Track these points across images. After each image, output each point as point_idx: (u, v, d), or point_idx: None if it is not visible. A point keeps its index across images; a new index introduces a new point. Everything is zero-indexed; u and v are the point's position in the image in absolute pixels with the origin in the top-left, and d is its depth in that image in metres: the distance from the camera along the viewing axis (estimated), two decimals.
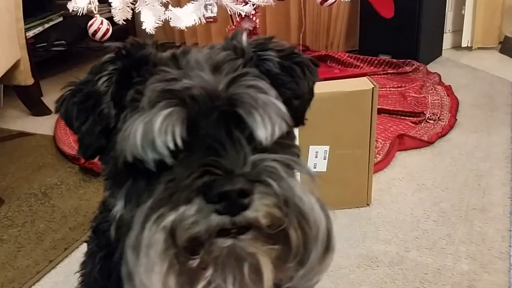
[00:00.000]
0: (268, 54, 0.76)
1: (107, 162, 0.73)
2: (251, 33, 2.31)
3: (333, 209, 0.69)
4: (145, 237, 0.60)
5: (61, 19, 3.39)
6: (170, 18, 2.08)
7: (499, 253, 1.53)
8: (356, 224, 1.72)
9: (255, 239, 0.62)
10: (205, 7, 1.96)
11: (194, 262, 0.62)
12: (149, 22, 2.21)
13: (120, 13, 2.31)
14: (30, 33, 3.11)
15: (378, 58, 3.10)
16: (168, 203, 0.60)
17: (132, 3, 2.30)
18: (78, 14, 2.27)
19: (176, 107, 0.64)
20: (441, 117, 2.42)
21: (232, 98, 0.66)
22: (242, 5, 2.03)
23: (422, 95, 2.63)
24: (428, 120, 2.40)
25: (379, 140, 2.18)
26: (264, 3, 2.12)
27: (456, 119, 2.40)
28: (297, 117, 0.77)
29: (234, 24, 2.31)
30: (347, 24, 3.36)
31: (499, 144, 2.15)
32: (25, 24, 2.70)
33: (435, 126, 2.35)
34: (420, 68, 2.98)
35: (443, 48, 3.35)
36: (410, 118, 2.43)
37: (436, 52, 3.29)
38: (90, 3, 2.26)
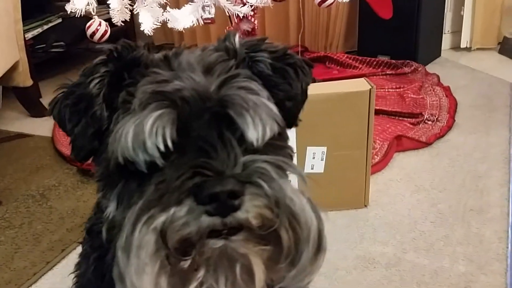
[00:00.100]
0: (260, 56, 0.76)
1: (100, 163, 0.73)
2: (250, 34, 2.31)
3: (325, 210, 0.68)
4: (136, 238, 0.60)
5: (60, 20, 3.39)
6: (168, 20, 2.08)
7: (496, 255, 1.52)
8: (354, 226, 1.72)
9: (247, 240, 0.63)
10: (203, 8, 1.96)
11: (186, 263, 0.62)
12: (148, 23, 2.21)
13: (119, 14, 2.31)
14: (29, 35, 3.12)
15: (377, 59, 3.10)
16: (159, 204, 0.60)
17: (130, 4, 2.31)
18: (76, 16, 2.27)
19: (166, 108, 0.64)
20: (439, 118, 2.41)
21: (223, 100, 0.66)
22: (240, 6, 2.02)
23: (420, 96, 2.63)
24: (426, 121, 2.40)
25: (377, 141, 2.18)
26: (262, 4, 2.12)
27: (455, 120, 2.39)
28: (290, 119, 0.77)
29: (233, 25, 2.31)
30: (346, 25, 3.36)
31: (497, 145, 2.15)
32: (24, 26, 2.71)
33: (434, 127, 2.34)
34: (419, 69, 2.98)
35: (442, 48, 3.35)
36: (409, 119, 2.43)
37: (435, 53, 3.29)
38: (88, 4, 2.26)
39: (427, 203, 1.81)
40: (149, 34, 2.22)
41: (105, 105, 0.71)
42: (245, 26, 2.34)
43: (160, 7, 2.20)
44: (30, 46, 3.05)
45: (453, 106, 2.53)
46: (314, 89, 1.61)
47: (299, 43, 3.31)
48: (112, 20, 2.32)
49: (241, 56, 0.74)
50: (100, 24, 2.31)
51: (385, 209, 1.79)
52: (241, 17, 2.23)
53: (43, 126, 2.68)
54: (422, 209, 1.78)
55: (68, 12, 2.27)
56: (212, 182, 0.59)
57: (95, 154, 0.74)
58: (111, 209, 0.70)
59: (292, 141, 1.69)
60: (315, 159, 1.69)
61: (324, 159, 1.69)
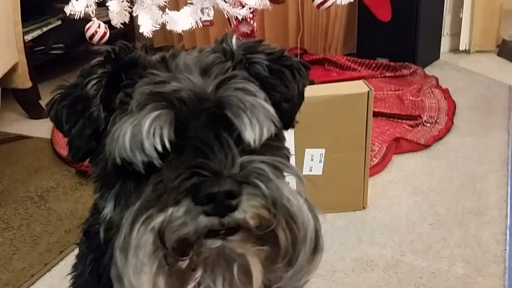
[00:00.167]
0: (257, 57, 0.76)
1: (97, 164, 0.73)
2: (249, 36, 2.32)
3: (323, 212, 0.69)
4: (134, 239, 0.60)
5: (59, 22, 3.41)
6: (167, 22, 2.09)
7: (494, 257, 1.52)
8: (352, 228, 1.72)
9: (244, 240, 0.63)
10: (202, 10, 1.96)
11: (184, 263, 0.62)
12: (147, 26, 2.21)
13: (118, 16, 2.31)
14: (29, 37, 3.12)
15: (376, 61, 3.11)
16: (157, 204, 0.61)
17: (129, 7, 2.31)
18: (76, 18, 2.28)
19: (164, 109, 0.64)
20: (438, 121, 2.42)
21: (220, 101, 0.66)
22: (239, 8, 2.03)
23: (419, 98, 2.64)
24: (425, 124, 2.40)
25: (376, 143, 2.18)
26: (261, 7, 2.12)
27: (453, 123, 2.40)
28: (287, 120, 0.77)
29: (232, 27, 2.32)
30: (345, 27, 3.36)
31: (496, 147, 2.15)
32: (23, 28, 2.71)
33: (432, 129, 2.35)
34: (418, 71, 2.98)
35: (441, 51, 3.36)
36: (407, 122, 2.43)
37: (434, 55, 3.30)
38: (87, 6, 2.26)
39: (425, 205, 1.81)
40: (148, 36, 2.22)
41: (102, 106, 0.71)
42: (244, 28, 2.34)
43: (159, 9, 2.20)
44: (30, 48, 3.06)
45: (452, 108, 2.53)
46: (313, 91, 1.63)
47: (298, 45, 3.32)
48: (111, 22, 2.33)
49: (238, 57, 0.75)
50: (99, 26, 2.31)
51: (383, 211, 1.79)
52: (240, 19, 2.23)
53: (42, 128, 2.68)
54: (420, 211, 1.78)
55: (67, 14, 2.27)
56: (210, 183, 0.59)
57: (92, 155, 0.74)
58: (108, 209, 0.70)
59: (290, 143, 1.70)
60: (313, 161, 1.69)
61: (323, 161, 1.69)
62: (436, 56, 3.31)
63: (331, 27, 3.35)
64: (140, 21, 2.21)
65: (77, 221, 1.85)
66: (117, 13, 2.29)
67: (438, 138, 2.26)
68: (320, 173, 1.70)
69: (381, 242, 1.64)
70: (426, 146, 2.21)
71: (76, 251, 0.99)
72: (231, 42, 0.76)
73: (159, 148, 0.63)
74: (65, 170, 2.24)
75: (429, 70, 3.06)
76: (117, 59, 0.72)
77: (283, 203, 0.62)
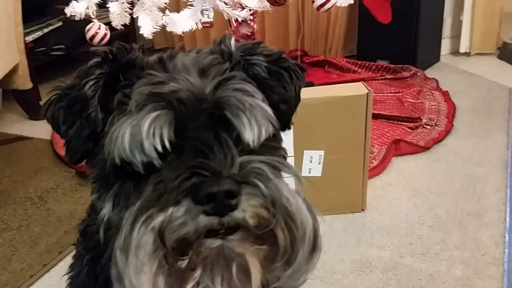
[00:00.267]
0: (256, 59, 0.77)
1: (95, 165, 0.73)
2: (249, 38, 2.32)
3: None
4: (134, 238, 0.60)
5: (60, 23, 3.41)
6: (167, 23, 2.09)
7: (493, 259, 1.52)
8: (351, 230, 1.72)
9: (243, 239, 0.63)
10: (202, 12, 1.97)
11: (183, 263, 0.62)
12: (147, 27, 2.22)
13: (118, 18, 2.32)
14: (30, 38, 3.12)
15: (376, 64, 3.11)
16: (157, 204, 0.61)
17: (130, 8, 2.32)
18: (77, 19, 2.28)
19: (163, 110, 0.65)
20: (438, 123, 2.42)
21: (219, 101, 0.66)
22: (239, 10, 2.03)
23: (419, 101, 2.64)
24: (425, 126, 2.40)
25: (375, 145, 2.18)
26: (261, 9, 2.13)
27: (453, 125, 2.40)
28: (284, 121, 0.78)
29: (232, 29, 2.32)
30: (345, 29, 3.37)
31: (495, 149, 2.15)
32: (24, 29, 2.72)
33: (432, 131, 2.35)
34: (418, 73, 2.99)
35: (441, 53, 3.36)
36: (407, 124, 2.43)
37: (434, 57, 3.30)
38: (88, 8, 2.27)
39: (424, 208, 1.81)
40: (149, 38, 2.23)
41: (100, 107, 0.71)
42: (244, 30, 2.35)
43: (159, 11, 2.21)
44: (31, 49, 3.06)
45: (452, 110, 2.54)
46: (312, 93, 1.63)
47: (299, 47, 3.32)
48: (112, 23, 2.33)
49: (236, 59, 0.75)
50: (99, 28, 2.32)
51: (382, 213, 1.79)
52: (240, 21, 2.24)
53: (42, 129, 2.68)
54: (419, 213, 1.78)
55: (68, 15, 2.28)
56: (210, 182, 0.60)
57: (89, 156, 0.74)
58: (106, 210, 0.70)
59: (289, 145, 1.70)
60: (312, 163, 1.69)
61: (322, 162, 1.69)
62: (437, 59, 3.32)
63: (331, 29, 3.35)
64: (140, 23, 2.22)
65: (76, 222, 1.85)
66: (118, 15, 2.30)
67: (438, 140, 2.27)
68: (319, 175, 1.70)
69: (380, 244, 1.64)
70: (425, 148, 2.21)
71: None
72: (230, 43, 0.77)
73: (159, 148, 0.63)
74: (65, 171, 2.24)
75: (429, 73, 3.07)
76: (114, 60, 0.72)
77: (282, 202, 0.62)
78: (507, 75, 2.97)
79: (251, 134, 0.66)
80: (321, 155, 1.69)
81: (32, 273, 1.60)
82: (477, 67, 3.14)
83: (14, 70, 2.57)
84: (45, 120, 0.76)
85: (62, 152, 2.36)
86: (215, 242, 0.62)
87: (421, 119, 2.44)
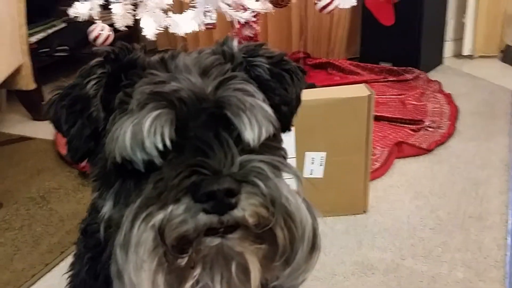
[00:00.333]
0: (258, 61, 0.77)
1: (96, 164, 0.73)
2: (252, 40, 2.33)
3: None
4: (134, 236, 0.61)
5: (64, 25, 3.42)
6: (170, 25, 2.10)
7: (494, 262, 1.52)
8: (352, 231, 1.72)
9: (243, 238, 0.63)
10: (204, 13, 1.97)
11: (183, 261, 0.62)
12: (150, 29, 2.22)
13: (121, 19, 2.33)
14: (33, 39, 3.13)
15: (379, 66, 3.11)
16: (157, 202, 0.61)
17: (133, 10, 2.32)
18: (80, 20, 2.29)
19: (164, 109, 0.65)
20: (440, 125, 2.42)
21: (220, 101, 0.67)
22: (241, 12, 2.04)
23: (422, 103, 2.64)
24: (427, 128, 2.40)
25: (378, 147, 2.18)
26: (264, 11, 2.13)
27: (456, 127, 2.40)
28: (285, 123, 0.78)
29: (235, 31, 2.33)
30: (348, 31, 3.37)
31: (498, 152, 2.15)
32: (28, 30, 2.73)
33: (434, 134, 2.35)
34: (421, 76, 2.98)
35: (444, 56, 3.36)
36: (410, 126, 2.43)
37: (437, 60, 3.29)
38: (91, 9, 2.28)
39: (426, 210, 1.81)
40: (152, 39, 2.23)
41: (101, 106, 0.72)
42: (247, 32, 2.35)
43: (162, 12, 2.21)
44: (34, 50, 3.07)
45: (454, 113, 2.53)
46: (314, 94, 1.64)
47: (301, 49, 3.32)
48: (115, 25, 2.34)
49: (238, 60, 0.76)
50: (102, 29, 2.33)
51: (384, 215, 1.79)
52: (243, 23, 2.24)
53: (45, 129, 2.69)
54: (421, 215, 1.78)
55: (71, 16, 2.29)
56: (209, 181, 0.60)
57: (90, 155, 0.75)
58: (107, 208, 0.70)
59: (291, 146, 1.70)
60: (314, 164, 1.69)
61: (323, 164, 1.69)
62: (439, 61, 3.31)
63: (334, 31, 3.35)
64: (143, 24, 2.22)
65: (78, 222, 1.84)
66: (121, 16, 2.31)
67: (441, 142, 2.26)
68: (321, 176, 1.70)
69: (382, 246, 1.63)
70: (428, 150, 2.20)
71: None
72: (232, 45, 0.78)
73: (160, 146, 0.64)
74: (67, 172, 2.25)
75: (432, 75, 3.07)
76: (116, 60, 0.73)
77: (282, 202, 0.62)
78: (510, 78, 2.96)
79: (251, 134, 0.66)
80: (322, 157, 1.69)
81: (34, 273, 1.60)
82: (480, 69, 3.14)
83: (17, 71, 2.59)
84: (48, 121, 0.76)
85: (64, 152, 2.36)
86: (214, 241, 0.62)
87: (424, 122, 2.44)
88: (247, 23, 2.29)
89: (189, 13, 2.05)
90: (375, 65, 3.12)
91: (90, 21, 2.36)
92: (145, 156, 0.65)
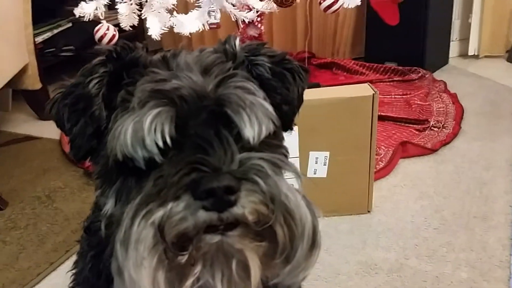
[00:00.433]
0: (260, 59, 0.77)
1: (98, 161, 0.74)
2: (257, 40, 2.33)
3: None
4: (134, 232, 0.61)
5: (70, 25, 3.44)
6: (175, 24, 2.10)
7: (499, 262, 1.51)
8: (356, 231, 1.71)
9: (243, 235, 0.63)
10: (209, 13, 1.98)
11: (183, 258, 0.63)
12: (155, 29, 2.23)
13: (127, 19, 2.34)
14: (39, 39, 3.16)
15: (384, 66, 3.10)
16: (157, 199, 0.61)
17: (138, 10, 2.33)
18: (86, 20, 2.31)
19: (165, 106, 0.65)
20: (445, 125, 2.41)
21: (220, 99, 0.67)
22: (246, 11, 2.04)
23: (427, 103, 2.63)
24: (432, 128, 2.39)
25: (382, 147, 2.17)
26: (268, 10, 2.13)
27: (461, 127, 2.39)
28: (286, 122, 0.78)
29: (240, 31, 2.33)
30: (353, 31, 3.36)
31: (503, 152, 2.14)
32: (34, 30, 2.74)
33: (439, 133, 2.34)
34: (426, 75, 2.98)
35: (450, 56, 3.35)
36: (415, 126, 2.42)
37: (442, 60, 3.28)
38: (97, 9, 2.29)
39: (430, 210, 1.81)
40: (157, 39, 2.24)
41: (104, 104, 0.72)
42: (252, 32, 2.36)
43: (167, 12, 2.22)
44: (40, 50, 3.09)
45: (460, 113, 2.53)
46: (317, 94, 1.64)
47: (306, 49, 3.32)
48: (120, 25, 2.35)
49: (240, 59, 0.76)
50: (108, 29, 2.34)
51: (388, 215, 1.79)
52: (248, 23, 2.25)
53: (51, 129, 2.69)
54: (425, 215, 1.78)
55: (77, 16, 2.30)
56: (209, 178, 0.60)
57: (93, 153, 0.75)
58: (109, 206, 0.71)
59: (294, 146, 1.70)
60: (317, 164, 1.69)
61: (327, 164, 1.69)
62: (445, 61, 3.30)
63: (339, 30, 3.35)
64: (148, 24, 2.23)
65: (83, 221, 1.86)
66: (126, 16, 2.32)
67: (445, 142, 2.25)
68: (325, 176, 1.70)
69: (386, 246, 1.63)
70: (433, 150, 2.20)
71: None
72: (234, 43, 0.78)
73: (160, 144, 0.64)
74: (73, 171, 2.26)
75: (438, 75, 3.06)
76: (118, 59, 0.73)
77: (281, 199, 0.62)
78: None
79: (251, 131, 0.66)
80: (326, 156, 1.69)
81: (39, 271, 1.61)
82: (485, 69, 3.12)
83: (23, 71, 2.60)
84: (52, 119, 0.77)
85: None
86: (214, 238, 0.62)
87: (429, 121, 2.43)
88: (251, 22, 2.29)
89: (193, 13, 2.06)
90: (380, 65, 3.11)
91: (96, 21, 2.37)
92: (146, 153, 0.65)
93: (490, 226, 1.68)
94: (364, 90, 1.63)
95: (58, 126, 0.76)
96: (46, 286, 1.57)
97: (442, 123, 2.42)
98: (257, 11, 2.09)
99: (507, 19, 3.22)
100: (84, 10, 2.25)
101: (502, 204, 1.80)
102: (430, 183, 1.97)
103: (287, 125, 0.80)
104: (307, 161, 1.68)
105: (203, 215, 0.60)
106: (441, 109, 2.57)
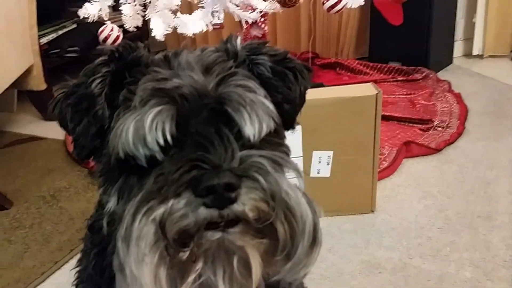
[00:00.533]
0: (261, 58, 0.78)
1: (101, 160, 0.74)
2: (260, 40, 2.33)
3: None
4: (135, 229, 0.61)
5: (74, 26, 3.45)
6: (178, 25, 2.11)
7: (503, 261, 1.51)
8: (360, 231, 1.72)
9: (244, 232, 0.64)
10: (212, 14, 1.98)
11: (184, 255, 0.63)
12: (159, 30, 2.24)
13: (131, 20, 2.35)
14: (44, 40, 3.17)
15: (388, 66, 3.10)
16: (158, 196, 0.62)
17: (142, 11, 2.34)
18: (90, 21, 2.32)
19: (166, 105, 0.66)
20: (449, 125, 2.40)
21: (221, 97, 0.68)
22: (249, 12, 2.05)
23: (431, 103, 2.63)
24: (436, 128, 2.39)
25: (386, 147, 2.17)
26: (271, 10, 2.14)
27: (465, 127, 2.38)
28: (288, 121, 0.78)
29: (243, 31, 2.34)
30: (357, 31, 3.36)
31: (507, 152, 2.14)
32: (39, 31, 2.76)
33: (443, 133, 2.34)
34: (430, 75, 2.97)
35: (454, 56, 3.34)
36: (419, 125, 2.42)
37: (446, 60, 3.28)
38: (101, 10, 2.30)
39: (434, 209, 1.80)
40: (161, 40, 2.25)
41: (106, 104, 0.73)
42: (255, 32, 2.36)
43: (171, 13, 2.23)
44: (45, 51, 3.11)
45: (464, 113, 2.52)
46: (321, 93, 1.64)
47: (310, 50, 3.32)
48: (125, 26, 2.36)
49: (241, 58, 0.76)
50: (112, 30, 2.35)
51: (391, 215, 1.79)
52: (251, 23, 2.25)
53: (56, 129, 2.66)
54: (429, 215, 1.77)
55: (81, 17, 2.31)
56: (210, 175, 0.61)
57: (96, 153, 0.76)
58: (111, 203, 0.71)
59: (298, 145, 1.71)
60: (321, 163, 1.69)
61: (330, 163, 1.69)
62: (449, 61, 3.30)
63: (343, 31, 3.35)
64: (152, 25, 2.24)
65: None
66: (130, 17, 2.33)
67: (449, 142, 2.25)
68: (328, 176, 1.70)
69: (389, 245, 1.63)
70: (437, 150, 2.19)
71: None
72: (236, 42, 0.78)
73: (161, 142, 0.65)
74: (77, 171, 2.27)
75: (442, 75, 3.05)
76: (120, 58, 0.74)
77: (282, 196, 0.63)
78: None
79: (251, 129, 0.67)
80: (329, 156, 1.69)
81: (44, 270, 1.62)
82: (490, 69, 3.12)
83: (28, 72, 2.62)
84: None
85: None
86: (215, 235, 0.62)
87: (433, 121, 2.43)
88: (255, 23, 2.30)
89: (197, 14, 2.06)
90: (384, 65, 3.11)
91: (100, 22, 2.38)
92: (147, 151, 0.66)
93: (494, 226, 1.68)
94: (367, 89, 1.63)
95: (61, 125, 0.76)
96: (50, 285, 1.58)
97: (446, 123, 2.42)
98: (260, 12, 2.10)
99: (511, 19, 3.21)
100: (89, 11, 2.27)
101: (506, 203, 1.79)
102: (434, 183, 1.97)
103: (289, 124, 0.80)
104: (310, 160, 1.68)
105: (203, 212, 0.61)
106: (445, 109, 2.57)
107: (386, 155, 2.13)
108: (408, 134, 2.33)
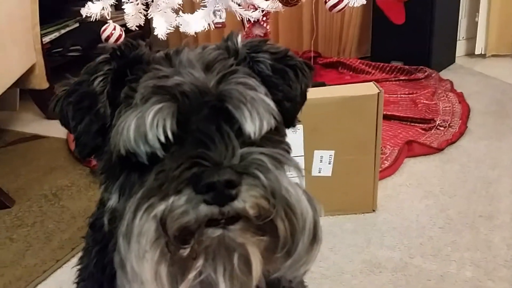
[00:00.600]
0: (261, 56, 0.77)
1: (102, 157, 0.74)
2: None
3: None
4: (136, 226, 0.62)
5: (77, 25, 3.46)
6: (180, 24, 2.11)
7: (504, 261, 1.51)
8: (361, 230, 1.71)
9: (244, 229, 0.64)
10: (214, 13, 1.98)
11: (185, 252, 0.63)
12: (161, 28, 2.25)
13: (133, 19, 2.35)
14: (47, 39, 3.17)
15: (390, 65, 3.10)
16: (158, 193, 0.62)
17: (145, 9, 2.35)
18: (92, 20, 2.32)
19: (167, 102, 0.66)
20: (451, 124, 2.40)
21: (222, 94, 0.68)
22: (251, 11, 2.05)
23: (433, 102, 2.62)
24: (438, 127, 2.39)
25: (388, 146, 2.17)
26: (274, 9, 2.14)
27: (467, 126, 2.38)
28: (288, 119, 0.78)
29: (245, 30, 2.34)
30: (359, 30, 3.36)
31: (509, 151, 2.13)
32: (41, 30, 2.77)
33: (445, 133, 2.33)
34: (433, 75, 2.97)
35: (457, 55, 3.33)
36: (420, 125, 2.42)
37: (449, 59, 3.27)
38: (103, 9, 2.30)
39: (436, 209, 1.80)
40: (163, 38, 2.25)
41: (108, 102, 0.73)
42: (258, 31, 2.36)
43: (173, 12, 2.23)
44: (48, 50, 3.11)
45: (466, 112, 2.52)
46: (322, 93, 1.64)
47: (312, 48, 3.32)
48: (127, 24, 2.37)
49: (242, 55, 0.76)
50: (114, 28, 2.35)
51: (393, 214, 1.79)
52: (253, 22, 2.25)
53: (58, 128, 2.66)
54: (430, 214, 1.77)
55: (84, 16, 2.32)
56: (210, 172, 0.61)
57: (98, 151, 0.76)
58: (113, 200, 0.72)
59: (299, 144, 1.71)
60: (322, 163, 1.69)
61: (332, 162, 1.69)
62: (452, 60, 3.29)
63: (345, 30, 3.35)
64: (155, 24, 2.25)
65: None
66: (133, 16, 2.33)
67: (451, 142, 2.25)
68: (329, 175, 1.70)
69: (390, 245, 1.63)
70: (439, 149, 2.19)
71: None
72: (236, 40, 0.78)
73: (162, 139, 0.65)
74: (79, 169, 2.27)
75: (444, 74, 3.05)
76: (122, 56, 0.74)
77: (282, 193, 0.63)
78: None
79: (252, 126, 0.67)
80: (331, 155, 1.69)
81: (45, 269, 1.62)
82: (492, 69, 3.11)
83: (31, 70, 2.62)
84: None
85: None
86: (216, 232, 0.62)
87: (435, 121, 2.43)
88: (257, 22, 2.30)
89: (199, 13, 2.07)
90: (386, 64, 3.11)
91: (103, 21, 2.39)
92: (148, 148, 0.66)
93: (495, 226, 1.68)
94: (369, 88, 1.63)
95: (62, 124, 0.76)
96: (52, 283, 1.58)
97: (448, 122, 2.41)
98: (262, 11, 2.10)
99: None
100: (91, 10, 2.27)
101: (507, 203, 1.79)
102: (436, 182, 1.97)
103: (290, 122, 0.79)
104: (312, 160, 1.68)
105: (204, 209, 0.61)
106: (447, 108, 2.56)
107: (387, 154, 2.13)
108: (410, 134, 2.33)
